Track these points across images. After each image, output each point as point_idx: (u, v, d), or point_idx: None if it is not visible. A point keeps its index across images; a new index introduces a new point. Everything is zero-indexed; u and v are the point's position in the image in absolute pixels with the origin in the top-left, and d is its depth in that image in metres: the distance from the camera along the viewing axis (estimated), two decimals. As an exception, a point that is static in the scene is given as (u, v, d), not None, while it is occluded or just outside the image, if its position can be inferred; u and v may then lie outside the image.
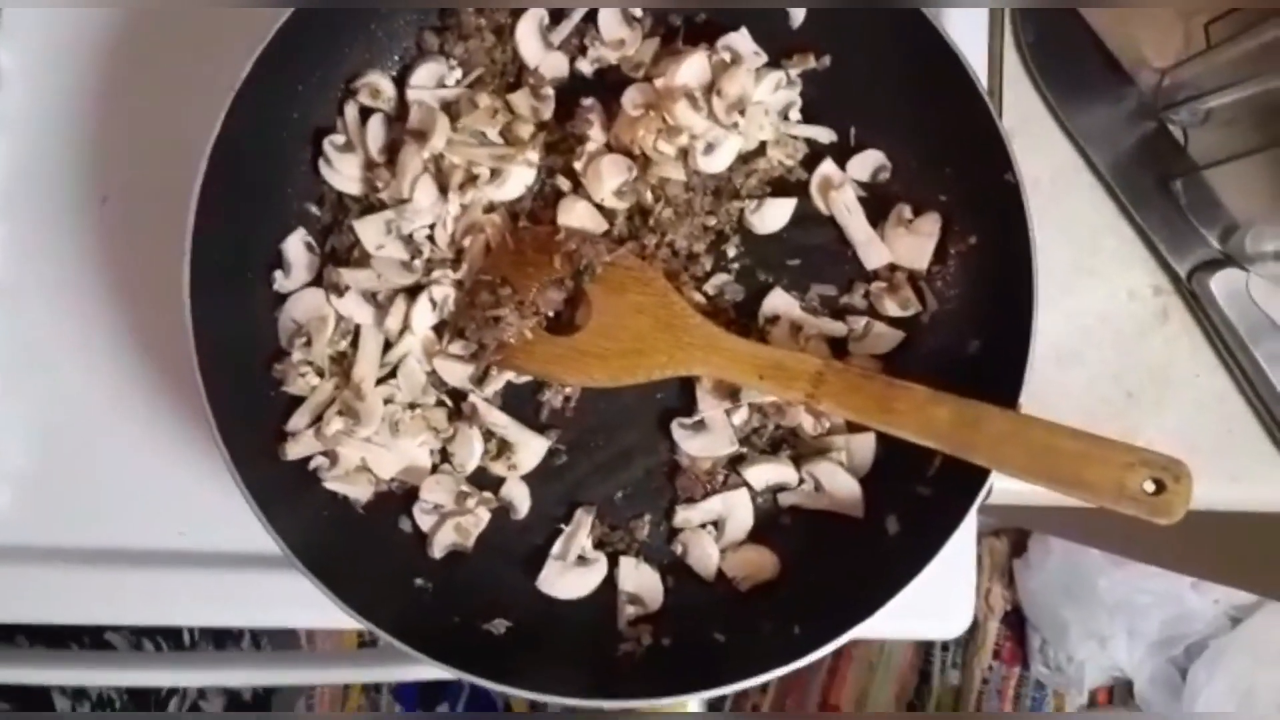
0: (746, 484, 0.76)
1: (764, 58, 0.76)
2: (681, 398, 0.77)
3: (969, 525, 0.71)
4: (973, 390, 0.69)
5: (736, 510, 0.76)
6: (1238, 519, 0.85)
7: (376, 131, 0.74)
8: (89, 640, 1.36)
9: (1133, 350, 0.85)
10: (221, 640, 1.55)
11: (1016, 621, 1.93)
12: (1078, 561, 1.79)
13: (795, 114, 0.77)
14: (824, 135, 0.78)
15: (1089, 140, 0.85)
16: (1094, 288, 0.85)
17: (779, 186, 0.78)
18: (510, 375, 0.75)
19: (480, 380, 0.75)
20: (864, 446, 0.76)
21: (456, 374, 0.75)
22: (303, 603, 0.68)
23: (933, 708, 1.91)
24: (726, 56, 0.74)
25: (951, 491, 0.71)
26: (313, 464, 0.73)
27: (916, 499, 0.73)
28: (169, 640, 1.52)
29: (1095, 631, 1.79)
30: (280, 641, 1.51)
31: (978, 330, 0.75)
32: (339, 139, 0.74)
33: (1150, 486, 0.65)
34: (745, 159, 0.77)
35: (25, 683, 0.92)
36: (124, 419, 0.81)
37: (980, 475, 0.69)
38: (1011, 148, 0.70)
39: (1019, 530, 1.90)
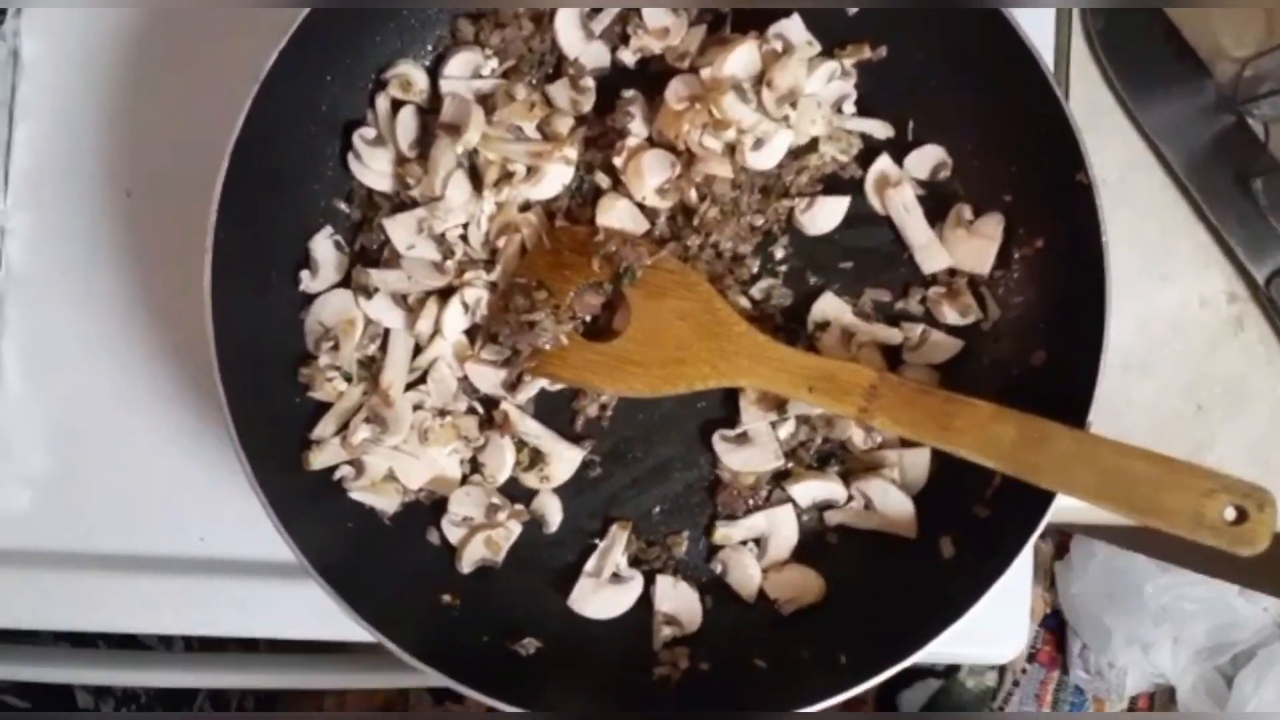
0: (792, 500, 0.73)
1: (817, 47, 0.71)
2: (724, 408, 0.74)
3: (1029, 548, 0.66)
4: (1037, 405, 0.65)
5: (780, 528, 0.73)
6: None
7: (408, 125, 0.71)
8: (116, 635, 1.35)
9: (1205, 361, 0.81)
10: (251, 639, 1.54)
11: (1056, 624, 1.88)
12: (1122, 566, 1.74)
13: (850, 107, 0.74)
14: (880, 130, 0.74)
15: (1161, 135, 0.81)
16: (1164, 294, 0.81)
17: (831, 184, 0.75)
18: (544, 382, 0.73)
19: (513, 387, 0.72)
20: (918, 463, 0.73)
21: (489, 380, 0.72)
22: (326, 614, 0.65)
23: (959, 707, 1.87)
24: (778, 46, 0.70)
25: (1012, 513, 0.67)
26: (338, 473, 0.71)
27: (974, 520, 0.70)
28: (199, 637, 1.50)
29: (1139, 638, 1.75)
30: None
31: (1043, 341, 0.71)
32: (369, 132, 0.71)
33: (1231, 514, 0.61)
34: (796, 155, 0.73)
35: (49, 681, 0.91)
36: (145, 421, 0.79)
37: (1043, 495, 0.65)
38: (1084, 145, 0.66)
39: (1061, 531, 1.85)
